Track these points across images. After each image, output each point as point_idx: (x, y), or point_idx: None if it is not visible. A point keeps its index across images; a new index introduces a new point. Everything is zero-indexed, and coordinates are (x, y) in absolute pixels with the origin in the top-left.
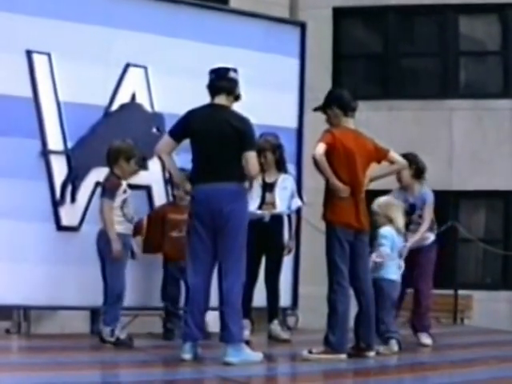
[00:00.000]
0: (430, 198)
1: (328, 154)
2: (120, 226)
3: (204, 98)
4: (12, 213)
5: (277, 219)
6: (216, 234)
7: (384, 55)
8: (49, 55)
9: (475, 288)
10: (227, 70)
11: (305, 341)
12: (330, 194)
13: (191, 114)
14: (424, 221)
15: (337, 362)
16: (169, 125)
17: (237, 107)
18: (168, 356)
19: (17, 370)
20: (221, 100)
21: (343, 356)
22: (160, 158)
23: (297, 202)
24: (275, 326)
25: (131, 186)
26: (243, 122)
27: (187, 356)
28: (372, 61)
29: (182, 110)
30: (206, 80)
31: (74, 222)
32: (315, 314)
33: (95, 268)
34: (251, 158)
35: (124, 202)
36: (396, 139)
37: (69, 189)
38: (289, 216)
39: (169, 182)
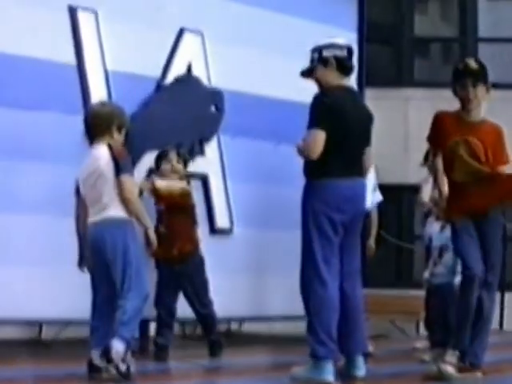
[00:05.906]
0: None
1: None
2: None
3: (271, 73)
4: (49, 205)
5: None
6: (345, 234)
7: None
8: (96, 14)
9: None
10: (352, 49)
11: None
12: None
13: (334, 99)
14: None
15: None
16: (229, 103)
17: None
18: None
19: None
20: (347, 82)
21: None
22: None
23: (378, 196)
24: None
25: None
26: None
27: (331, 378)
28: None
29: (244, 87)
30: (263, 51)
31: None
32: None
33: None
34: (370, 153)
35: None
36: None
37: None
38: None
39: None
